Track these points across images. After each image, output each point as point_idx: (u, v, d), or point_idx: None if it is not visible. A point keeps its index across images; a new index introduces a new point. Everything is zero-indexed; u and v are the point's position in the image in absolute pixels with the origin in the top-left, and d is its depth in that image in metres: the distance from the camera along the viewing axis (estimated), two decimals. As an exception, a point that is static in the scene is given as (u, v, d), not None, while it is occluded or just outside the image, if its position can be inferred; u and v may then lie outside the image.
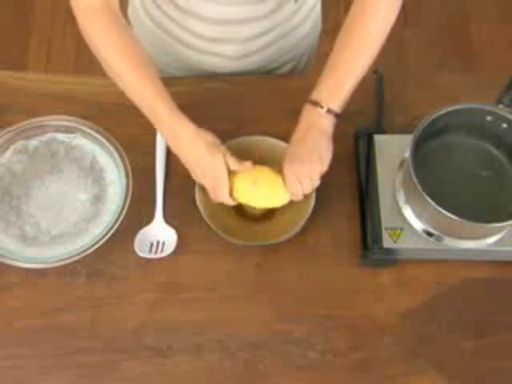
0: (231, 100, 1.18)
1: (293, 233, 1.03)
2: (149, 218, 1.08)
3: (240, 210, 1.08)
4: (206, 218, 1.04)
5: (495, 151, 1.06)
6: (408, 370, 1.00)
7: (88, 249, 1.01)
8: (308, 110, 1.01)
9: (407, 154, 0.97)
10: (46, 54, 2.32)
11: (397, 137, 1.10)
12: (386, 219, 1.03)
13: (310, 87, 1.02)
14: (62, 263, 1.01)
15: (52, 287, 1.05)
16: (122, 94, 1.01)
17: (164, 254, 1.05)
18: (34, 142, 1.12)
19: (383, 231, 1.03)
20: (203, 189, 1.04)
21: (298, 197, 1.02)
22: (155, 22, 1.19)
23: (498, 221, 0.93)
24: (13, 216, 1.07)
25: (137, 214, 1.07)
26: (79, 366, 1.00)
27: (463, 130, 1.05)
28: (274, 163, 1.03)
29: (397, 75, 1.21)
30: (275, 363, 1.00)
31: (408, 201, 1.03)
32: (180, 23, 1.15)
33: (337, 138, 1.01)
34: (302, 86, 1.04)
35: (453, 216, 0.92)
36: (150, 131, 1.10)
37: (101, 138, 1.09)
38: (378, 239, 1.02)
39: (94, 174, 1.10)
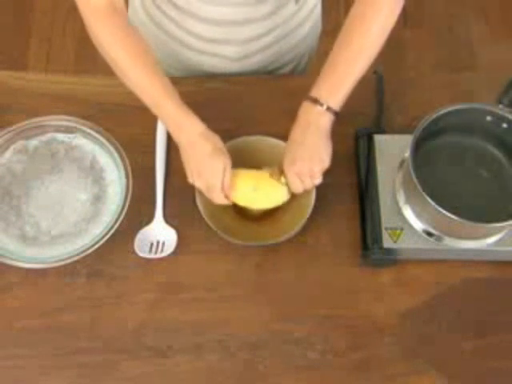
0: (231, 100, 1.18)
1: (293, 233, 1.03)
2: (149, 218, 1.08)
3: (240, 210, 1.08)
4: (206, 218, 1.04)
5: (495, 151, 1.06)
6: (408, 369, 1.00)
7: (88, 249, 1.01)
8: (307, 107, 1.00)
9: (407, 154, 0.98)
10: (46, 54, 2.31)
11: (397, 137, 1.10)
12: (386, 219, 1.03)
13: (311, 87, 1.02)
14: (62, 263, 1.01)
15: (52, 287, 1.05)
16: (122, 94, 1.01)
17: (164, 254, 1.05)
18: (33, 142, 1.12)
19: (383, 231, 1.03)
20: (203, 189, 1.04)
21: (300, 192, 1.02)
22: (155, 22, 1.19)
23: (498, 221, 0.93)
24: (13, 216, 1.07)
25: (137, 214, 1.07)
26: (79, 365, 1.00)
27: (463, 130, 1.05)
28: (274, 163, 1.03)
29: (397, 75, 1.21)
30: (275, 363, 1.00)
31: (408, 201, 1.03)
32: (179, 24, 1.15)
33: (337, 138, 1.01)
34: (303, 85, 1.03)
35: (453, 216, 0.92)
36: (150, 131, 1.10)
37: (101, 138, 1.09)
38: (377, 239, 1.02)
39: (94, 174, 1.10)
